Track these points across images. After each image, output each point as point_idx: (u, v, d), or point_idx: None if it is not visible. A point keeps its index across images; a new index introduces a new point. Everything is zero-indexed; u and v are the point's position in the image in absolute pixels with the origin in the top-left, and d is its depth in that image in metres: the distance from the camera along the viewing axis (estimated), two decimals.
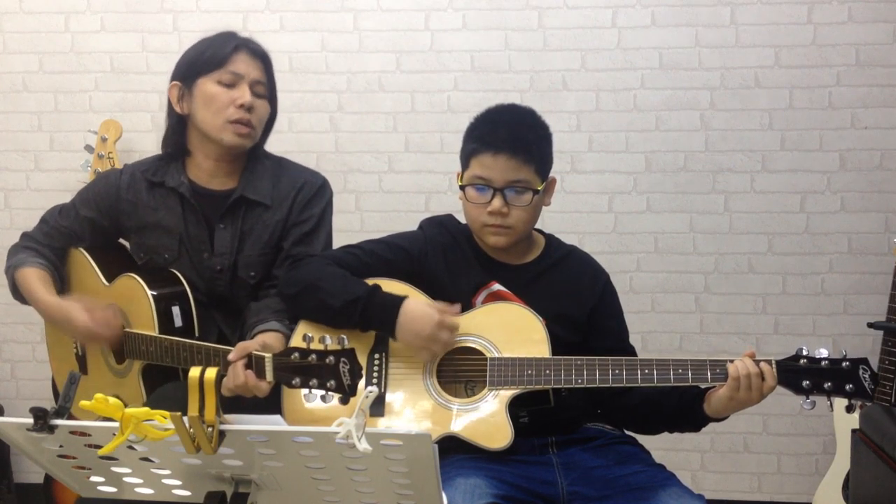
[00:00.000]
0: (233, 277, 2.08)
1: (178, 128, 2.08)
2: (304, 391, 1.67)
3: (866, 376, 1.66)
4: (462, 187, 1.91)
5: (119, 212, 2.11)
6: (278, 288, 2.00)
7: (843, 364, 1.67)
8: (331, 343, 1.65)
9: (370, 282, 1.87)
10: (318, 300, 1.85)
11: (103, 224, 2.14)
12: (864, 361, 1.68)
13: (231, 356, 1.75)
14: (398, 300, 1.81)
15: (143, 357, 1.98)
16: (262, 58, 2.07)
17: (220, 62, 2.00)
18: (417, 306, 1.80)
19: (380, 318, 1.81)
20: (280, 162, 2.16)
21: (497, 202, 1.85)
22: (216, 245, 2.07)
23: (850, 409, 1.70)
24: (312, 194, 2.11)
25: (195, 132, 2.06)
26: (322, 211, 2.12)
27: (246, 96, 2.00)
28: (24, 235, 2.18)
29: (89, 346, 2.13)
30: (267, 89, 2.07)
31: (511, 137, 1.85)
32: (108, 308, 2.03)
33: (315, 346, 1.63)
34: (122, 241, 2.22)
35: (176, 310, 2.00)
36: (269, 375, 1.70)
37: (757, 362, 1.69)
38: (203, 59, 2.02)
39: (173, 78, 2.06)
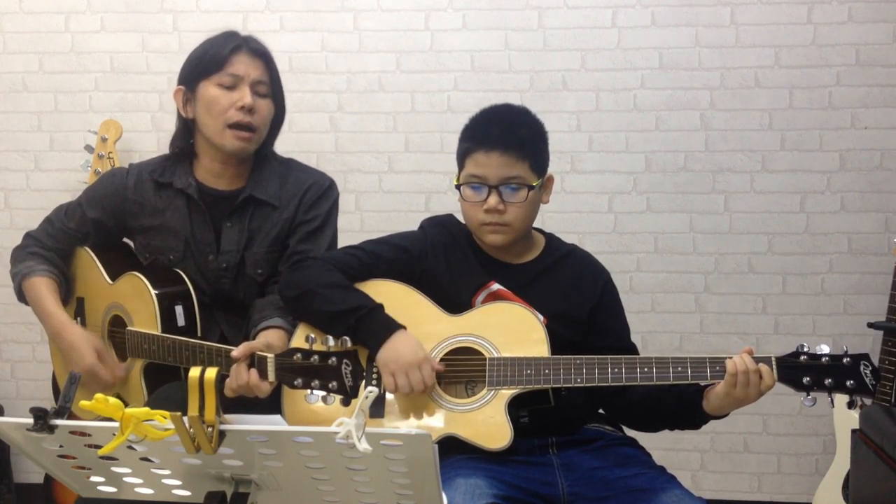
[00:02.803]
0: (239, 275, 2.08)
1: (185, 131, 2.08)
2: (306, 392, 1.67)
3: (867, 372, 1.65)
4: (458, 187, 1.92)
5: (125, 212, 2.11)
6: (279, 288, 2.00)
7: (844, 360, 1.66)
8: (333, 344, 1.65)
9: (373, 285, 1.87)
10: (317, 305, 1.85)
11: (109, 224, 2.14)
12: (865, 357, 1.66)
13: (235, 353, 1.75)
14: (398, 325, 1.81)
15: (144, 356, 1.98)
16: (263, 56, 2.04)
17: (218, 64, 1.98)
18: (412, 338, 1.80)
19: (373, 331, 1.80)
20: (288, 163, 2.15)
21: (493, 199, 1.85)
22: (222, 243, 2.07)
23: (851, 404, 1.69)
24: (319, 195, 2.11)
25: (201, 136, 2.06)
26: (328, 211, 2.12)
27: (246, 98, 1.98)
28: (29, 236, 2.17)
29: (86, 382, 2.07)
30: (270, 88, 2.05)
31: (503, 134, 1.85)
32: (119, 367, 2.02)
33: (318, 346, 1.63)
34: (126, 239, 2.22)
35: (179, 309, 2.00)
36: (272, 375, 1.70)
37: (756, 360, 1.68)
38: (203, 63, 2.00)
39: (179, 82, 2.06)
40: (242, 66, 2.00)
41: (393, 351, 1.77)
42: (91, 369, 1.97)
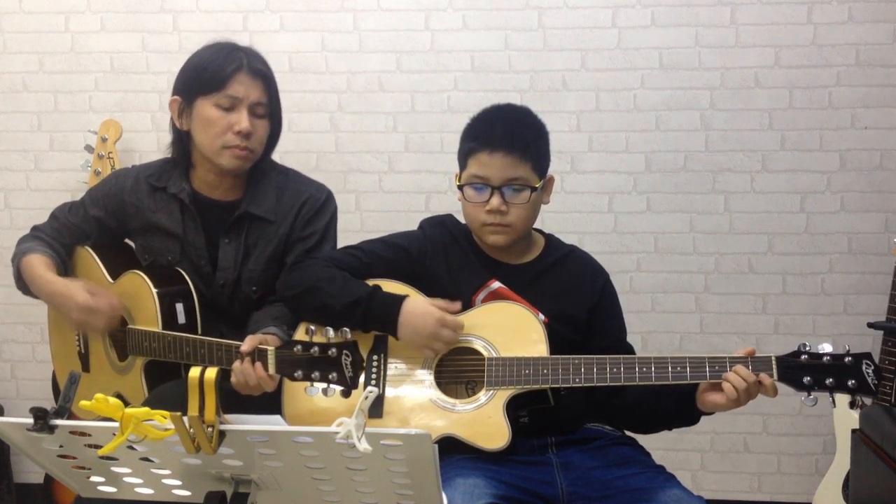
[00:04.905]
0: (235, 292, 2.08)
1: (181, 141, 2.07)
2: (306, 384, 1.67)
3: (870, 371, 1.63)
4: (460, 187, 1.92)
5: (124, 214, 2.12)
6: (278, 289, 2.00)
7: (846, 359, 1.65)
8: (333, 335, 1.65)
9: (370, 283, 1.88)
10: (319, 302, 1.86)
11: (110, 224, 2.14)
12: (868, 356, 1.64)
13: (243, 347, 1.75)
14: (399, 299, 1.81)
15: (145, 353, 1.98)
16: (263, 77, 2.01)
17: (218, 85, 1.95)
18: (418, 305, 1.80)
19: (381, 317, 1.82)
20: (286, 174, 2.13)
21: (495, 200, 1.85)
22: (220, 260, 2.06)
23: (853, 404, 1.68)
24: (316, 210, 2.09)
25: (196, 148, 2.05)
26: (325, 226, 2.10)
27: (243, 122, 1.96)
28: (35, 227, 2.19)
29: (88, 331, 2.11)
30: (268, 108, 2.02)
31: (507, 135, 1.85)
32: (112, 294, 2.01)
33: (317, 338, 1.63)
34: (127, 241, 2.22)
35: (179, 307, 2.00)
36: (272, 368, 1.70)
37: (756, 360, 1.68)
38: (202, 80, 1.97)
39: (174, 92, 2.04)
40: (242, 88, 1.96)
41: (412, 330, 1.79)
42: (86, 305, 1.96)
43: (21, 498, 3.28)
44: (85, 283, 2.03)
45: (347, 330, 1.69)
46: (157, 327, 1.96)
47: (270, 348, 1.70)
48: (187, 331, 1.97)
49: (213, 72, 1.96)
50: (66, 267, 2.15)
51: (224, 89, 1.96)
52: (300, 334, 1.86)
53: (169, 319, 1.97)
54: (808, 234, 3.10)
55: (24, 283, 2.12)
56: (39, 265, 2.07)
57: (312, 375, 1.62)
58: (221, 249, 2.06)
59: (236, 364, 1.76)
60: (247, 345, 1.76)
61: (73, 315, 2.00)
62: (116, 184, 2.14)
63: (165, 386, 2.00)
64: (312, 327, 1.76)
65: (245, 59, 1.99)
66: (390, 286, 1.89)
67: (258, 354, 1.73)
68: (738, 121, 3.09)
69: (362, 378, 1.79)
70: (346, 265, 1.92)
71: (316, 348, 1.62)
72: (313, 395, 1.73)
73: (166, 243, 2.08)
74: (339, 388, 1.64)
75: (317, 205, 2.10)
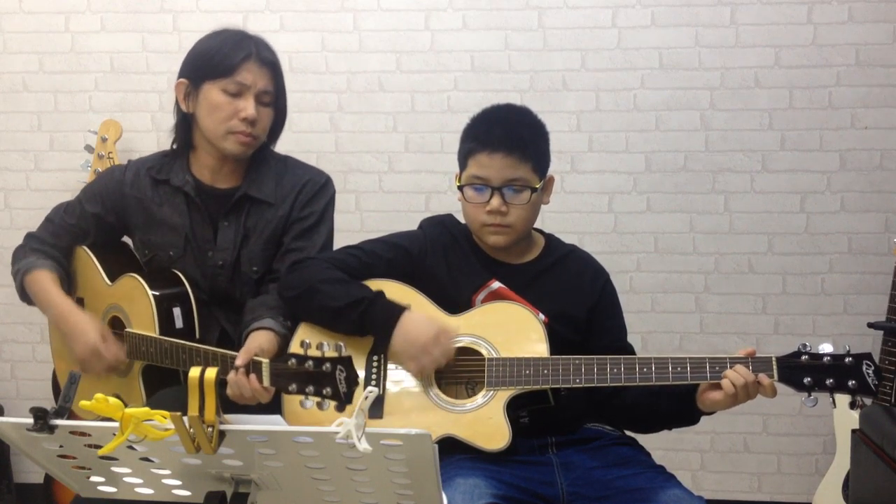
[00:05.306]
0: (235, 273, 2.08)
1: (185, 123, 2.08)
2: (301, 397, 1.67)
3: (870, 371, 1.63)
4: (460, 188, 1.92)
5: (124, 208, 2.11)
6: (278, 289, 2.00)
7: (846, 360, 1.65)
8: (328, 350, 1.64)
9: (373, 285, 1.88)
10: (319, 303, 1.86)
11: (109, 220, 2.14)
12: (868, 357, 1.64)
13: (238, 361, 1.75)
14: (401, 308, 1.81)
15: (143, 357, 1.98)
16: (272, 66, 2.03)
17: (226, 71, 1.97)
18: (419, 317, 1.80)
19: (380, 321, 1.81)
20: (285, 161, 2.15)
21: (495, 201, 1.85)
22: (218, 241, 2.07)
23: (853, 405, 1.68)
24: (315, 192, 2.11)
25: (200, 132, 2.06)
26: (324, 208, 2.12)
27: (249, 109, 1.97)
28: (30, 236, 2.18)
29: (85, 370, 2.05)
30: (274, 97, 2.05)
31: (507, 136, 1.85)
32: (121, 347, 2.02)
33: (312, 352, 1.63)
34: (125, 238, 2.22)
35: (177, 311, 2.00)
36: (266, 381, 1.70)
37: (756, 361, 1.68)
38: (211, 65, 1.98)
39: (181, 74, 2.05)
40: (250, 76, 1.98)
41: (404, 337, 1.78)
42: (95, 348, 1.97)
43: (21, 498, 3.29)
44: (101, 325, 2.04)
45: (342, 345, 1.69)
46: (153, 331, 1.96)
47: (265, 361, 1.70)
48: (185, 335, 1.97)
49: (223, 57, 1.98)
50: (67, 273, 2.15)
51: (233, 75, 1.97)
52: (294, 347, 1.86)
53: (166, 323, 1.97)
54: (808, 234, 3.10)
55: (27, 297, 2.12)
56: (48, 283, 2.07)
57: (307, 390, 1.62)
58: (220, 231, 2.07)
59: (231, 375, 1.75)
60: (241, 358, 1.75)
61: (79, 349, 2.00)
62: (113, 179, 2.13)
63: (164, 392, 2.00)
64: (307, 340, 1.76)
65: (255, 48, 2.01)
66: (392, 286, 1.89)
67: (253, 366, 1.73)
68: (738, 121, 3.09)
69: (359, 389, 1.78)
70: (347, 265, 1.92)
71: (311, 362, 1.61)
72: (308, 408, 1.73)
73: (168, 238, 2.08)
74: (333, 403, 1.63)
75: (316, 187, 2.11)
